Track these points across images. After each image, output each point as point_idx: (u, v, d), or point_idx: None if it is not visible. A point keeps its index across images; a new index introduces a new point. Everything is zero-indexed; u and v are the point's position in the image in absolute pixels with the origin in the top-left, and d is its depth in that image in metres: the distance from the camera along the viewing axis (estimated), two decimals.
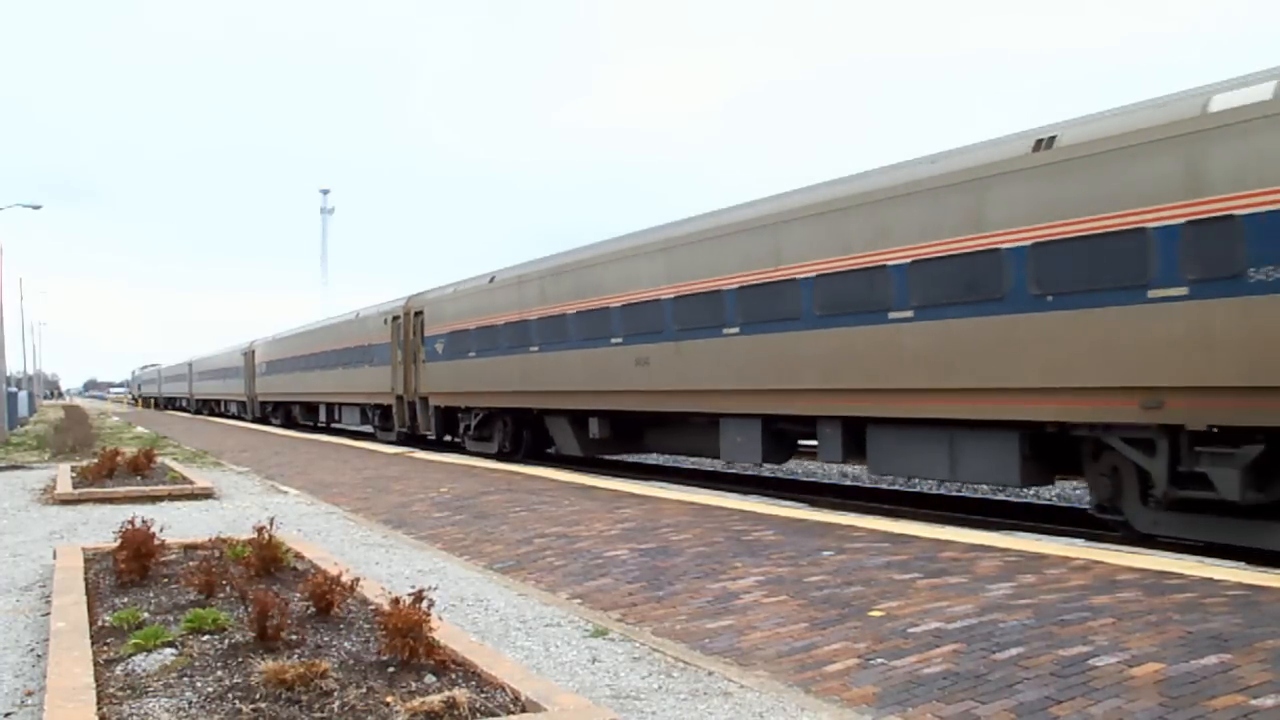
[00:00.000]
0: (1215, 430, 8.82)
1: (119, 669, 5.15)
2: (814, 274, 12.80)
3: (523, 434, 21.25)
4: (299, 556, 8.12)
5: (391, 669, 4.95)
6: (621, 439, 18.37)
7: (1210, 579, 6.38)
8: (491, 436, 22.33)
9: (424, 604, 5.16)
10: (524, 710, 4.43)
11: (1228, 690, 4.53)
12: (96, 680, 4.87)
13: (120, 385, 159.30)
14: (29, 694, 5.22)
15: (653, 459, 21.62)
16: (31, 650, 6.09)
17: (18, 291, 79.20)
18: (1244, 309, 8.45)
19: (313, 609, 6.10)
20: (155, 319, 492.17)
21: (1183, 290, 8.90)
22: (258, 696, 4.57)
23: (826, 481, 17.52)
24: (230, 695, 4.64)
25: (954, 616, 6.05)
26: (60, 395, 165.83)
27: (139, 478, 15.68)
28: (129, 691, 4.80)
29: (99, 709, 4.47)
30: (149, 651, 5.36)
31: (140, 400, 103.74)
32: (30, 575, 8.49)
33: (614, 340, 17.10)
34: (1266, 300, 8.28)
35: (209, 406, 63.12)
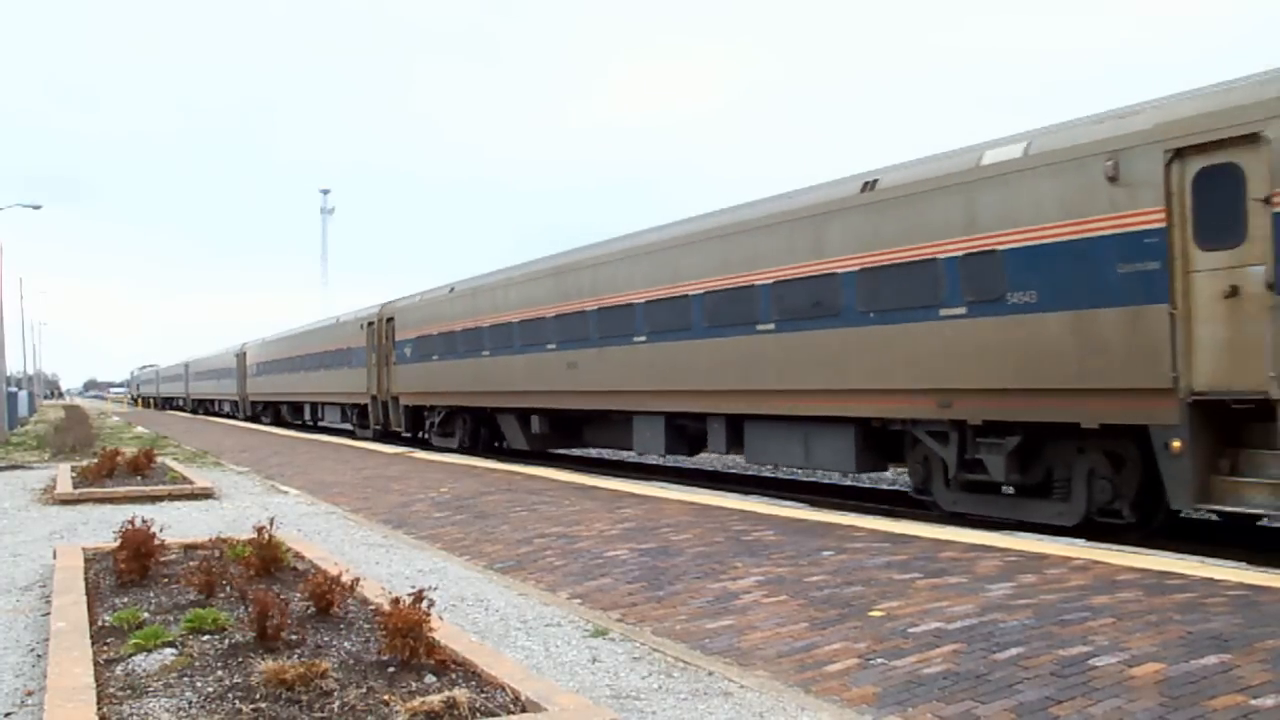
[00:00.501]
0: (987, 424, 10.86)
1: (119, 669, 5.15)
2: (702, 291, 14.91)
3: (480, 430, 23.62)
4: (299, 556, 8.12)
5: (391, 669, 4.95)
6: (561, 434, 20.56)
7: (1210, 579, 6.38)
8: (453, 433, 24.60)
9: (424, 604, 5.16)
10: (524, 710, 4.43)
11: (1228, 690, 4.53)
12: (96, 680, 4.87)
13: (120, 385, 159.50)
14: (29, 694, 5.22)
15: (652, 459, 21.75)
16: (31, 650, 6.09)
17: (18, 291, 79.33)
18: (1004, 326, 10.45)
19: (313, 609, 6.10)
20: (155, 319, 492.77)
21: (963, 310, 10.92)
22: (258, 696, 4.57)
23: (826, 482, 17.53)
24: (230, 695, 4.64)
25: (954, 616, 6.05)
26: (60, 395, 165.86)
27: (139, 478, 15.69)
28: (129, 691, 4.80)
29: (99, 709, 4.47)
30: (149, 651, 5.36)
31: (140, 400, 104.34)
32: (30, 575, 8.49)
33: (549, 346, 19.36)
34: (1020, 319, 10.29)
35: (204, 406, 65.00)
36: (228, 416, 53.64)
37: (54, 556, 8.68)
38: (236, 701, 4.55)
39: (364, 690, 4.64)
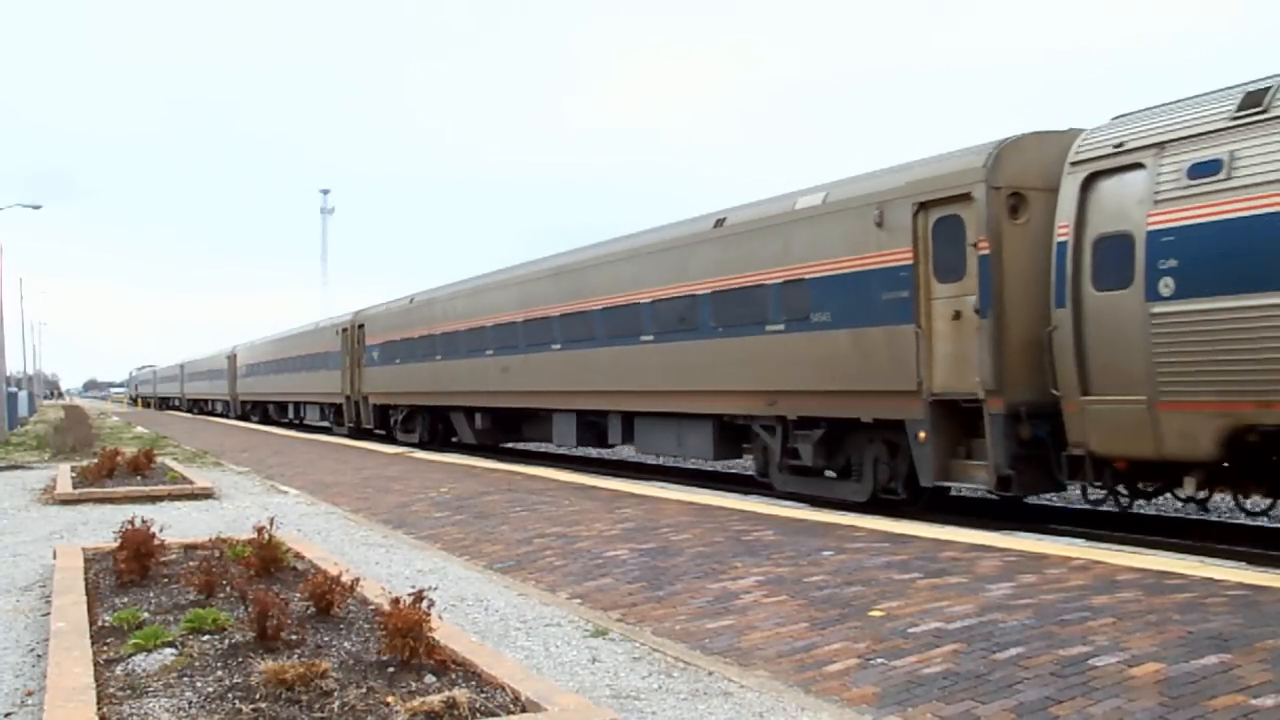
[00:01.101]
0: (801, 419, 13.29)
1: (119, 669, 5.15)
2: (602, 306, 17.64)
3: (437, 426, 26.20)
4: (299, 556, 8.12)
5: (391, 669, 4.95)
6: (501, 430, 23.28)
7: (1210, 579, 6.38)
8: (415, 429, 27.17)
9: (424, 604, 5.16)
10: (524, 710, 4.43)
11: (1228, 690, 4.53)
12: (96, 680, 4.87)
13: (120, 385, 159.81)
14: (29, 694, 5.22)
15: (651, 459, 21.92)
16: (31, 650, 6.09)
17: (18, 291, 79.23)
18: (809, 340, 12.93)
19: (313, 609, 6.10)
20: (155, 319, 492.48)
21: (782, 326, 13.38)
22: (258, 696, 4.57)
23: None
24: (230, 695, 4.64)
25: (954, 616, 6.05)
26: (60, 395, 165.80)
27: (139, 478, 15.68)
28: (129, 691, 4.80)
29: (99, 709, 4.47)
30: (149, 651, 5.36)
31: (140, 400, 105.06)
32: (30, 575, 8.49)
33: (488, 352, 22.15)
34: (819, 334, 12.77)
35: (199, 405, 67.57)
36: (221, 415, 55.76)
37: (54, 556, 8.68)
38: (236, 701, 4.55)
39: (364, 690, 4.64)
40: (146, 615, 6.21)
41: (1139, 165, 9.47)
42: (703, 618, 6.64)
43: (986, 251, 10.59)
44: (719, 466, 20.62)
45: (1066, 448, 10.05)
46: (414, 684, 4.75)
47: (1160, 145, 9.37)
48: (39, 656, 5.86)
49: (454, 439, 25.32)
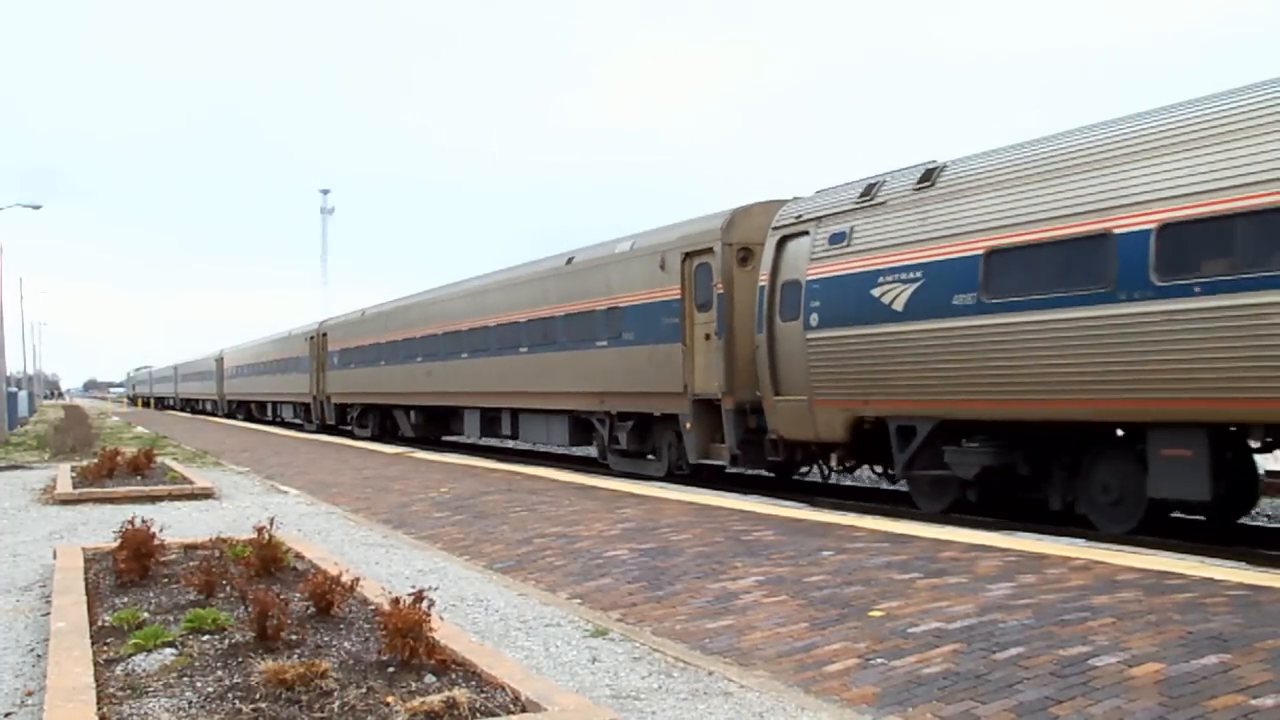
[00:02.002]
0: (620, 414, 17.39)
1: (119, 669, 5.15)
2: (495, 323, 22.04)
3: (385, 422, 30.83)
4: (299, 556, 8.12)
5: (391, 669, 4.95)
6: (433, 425, 27.35)
7: (1210, 579, 6.38)
8: (368, 425, 31.93)
9: (424, 604, 5.16)
10: (524, 710, 4.43)
11: (1228, 690, 4.53)
12: (96, 680, 4.87)
13: (120, 385, 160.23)
14: (29, 694, 5.21)
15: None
16: (31, 650, 6.09)
17: (18, 291, 79.22)
18: (621, 354, 16.95)
19: (313, 609, 6.10)
20: (155, 320, 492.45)
21: (606, 342, 17.48)
22: (258, 696, 4.57)
23: (826, 483, 17.52)
24: (230, 695, 4.64)
25: (954, 616, 6.04)
26: (60, 395, 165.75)
27: (139, 478, 15.68)
28: (129, 691, 4.80)
29: (99, 709, 4.47)
30: (149, 651, 5.36)
31: (140, 401, 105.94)
32: (30, 575, 8.49)
33: (417, 359, 26.79)
34: (629, 349, 16.74)
35: (191, 405, 71.30)
36: (209, 414, 59.65)
37: (54, 556, 8.68)
38: (236, 701, 4.55)
39: (364, 690, 4.64)
40: (146, 615, 6.21)
41: (806, 233, 13.18)
42: (703, 618, 6.64)
43: (722, 291, 14.73)
44: (730, 471, 20.81)
45: (768, 433, 13.89)
46: (414, 684, 4.75)
47: (819, 219, 13.05)
48: (39, 656, 5.86)
49: (399, 433, 29.75)
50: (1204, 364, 8.72)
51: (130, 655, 5.33)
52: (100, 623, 6.09)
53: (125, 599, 6.78)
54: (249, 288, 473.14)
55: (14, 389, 40.91)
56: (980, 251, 10.69)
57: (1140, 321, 9.17)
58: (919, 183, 11.74)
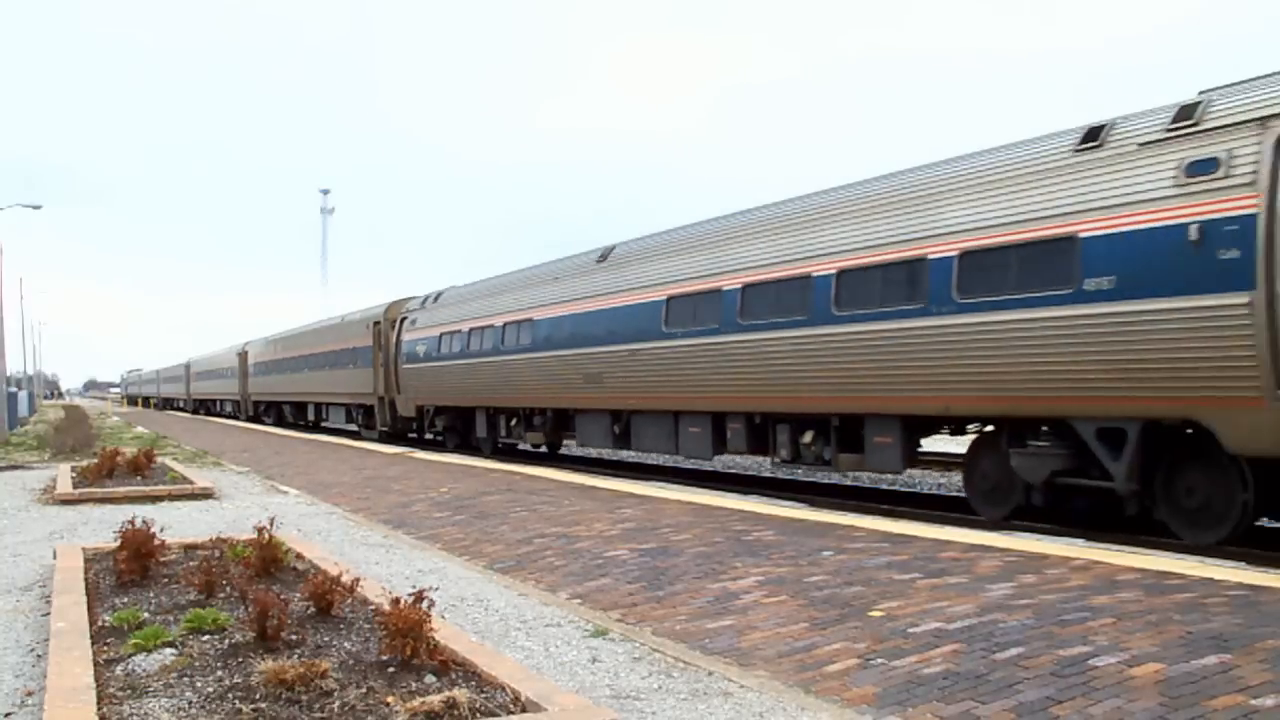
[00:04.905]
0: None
1: (119, 669, 5.15)
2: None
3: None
4: (299, 556, 8.11)
5: (392, 669, 4.95)
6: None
7: (1210, 579, 6.38)
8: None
9: (424, 604, 5.16)
10: (524, 710, 4.43)
11: (1228, 690, 4.53)
12: (96, 680, 4.87)
13: (118, 386, 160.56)
14: (29, 694, 5.21)
15: (652, 459, 21.91)
16: (31, 650, 6.08)
17: (18, 291, 79.25)
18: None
19: (313, 609, 6.10)
20: (155, 320, 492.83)
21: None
22: (258, 696, 4.57)
23: (826, 482, 17.54)
24: (230, 695, 4.64)
25: (954, 616, 6.04)
26: (60, 395, 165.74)
27: (139, 478, 15.67)
28: (129, 691, 4.79)
29: (99, 709, 4.47)
30: (149, 651, 5.36)
31: (138, 401, 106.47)
32: (30, 575, 8.49)
33: (298, 371, 39.05)
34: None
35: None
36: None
37: (54, 556, 8.68)
38: (236, 701, 4.55)
39: (364, 690, 4.64)
40: (146, 615, 6.21)
41: (406, 318, 26.49)
42: (703, 618, 6.64)
43: (381, 345, 27.67)
44: (718, 466, 20.69)
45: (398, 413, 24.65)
46: (414, 684, 4.75)
47: (408, 311, 26.62)
48: (39, 656, 5.86)
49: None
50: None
51: (130, 655, 5.33)
52: (100, 623, 6.09)
53: (125, 599, 6.78)
54: (249, 289, 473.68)
55: (14, 389, 40.89)
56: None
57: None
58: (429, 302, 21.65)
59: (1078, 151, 10.35)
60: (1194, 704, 4.44)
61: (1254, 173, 8.77)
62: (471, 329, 23.19)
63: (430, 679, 4.83)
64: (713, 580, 7.52)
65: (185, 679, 4.95)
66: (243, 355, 50.31)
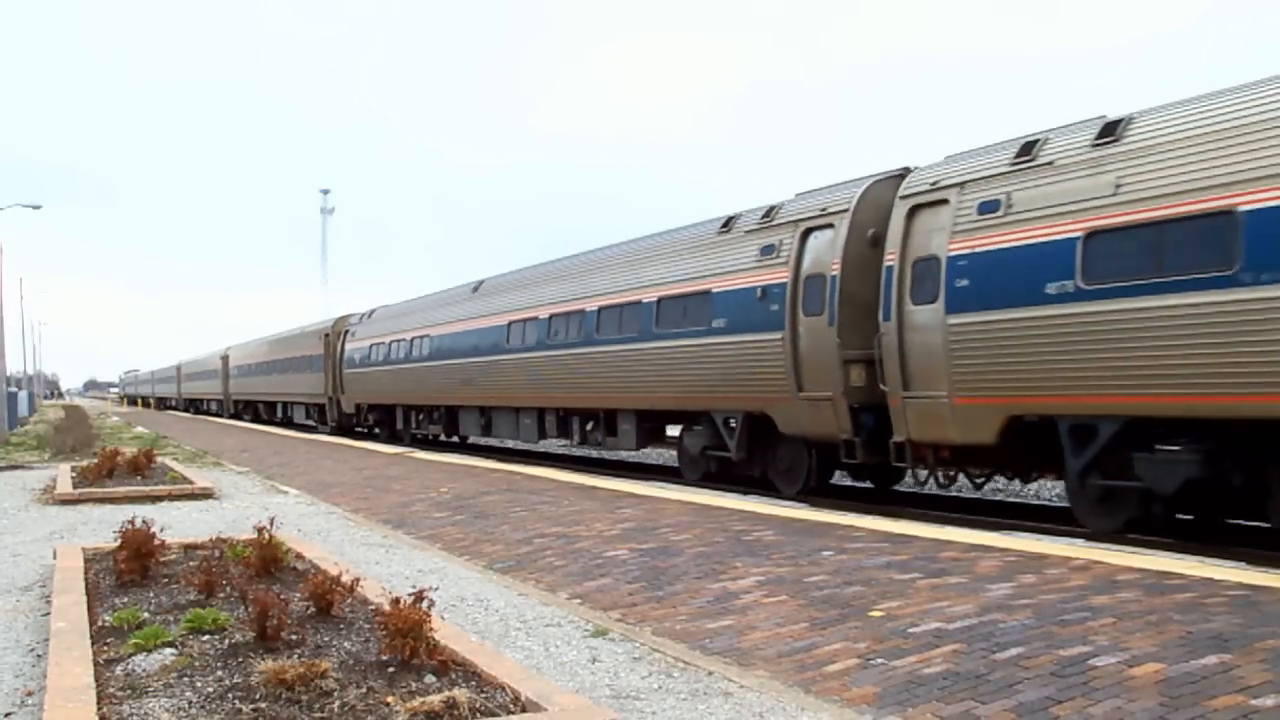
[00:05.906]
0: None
1: (119, 669, 5.15)
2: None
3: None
4: (299, 556, 8.11)
5: (392, 669, 4.95)
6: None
7: (1210, 579, 6.38)
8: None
9: (424, 604, 5.16)
10: (524, 710, 4.43)
11: (1228, 690, 4.53)
12: (96, 680, 4.87)
13: (117, 386, 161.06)
14: (29, 694, 5.21)
15: (653, 459, 22.06)
16: (31, 650, 6.08)
17: (18, 291, 79.23)
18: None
19: (313, 609, 6.10)
20: (156, 320, 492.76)
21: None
22: (258, 696, 4.57)
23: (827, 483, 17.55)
24: (230, 695, 4.64)
25: (954, 616, 6.04)
26: (60, 395, 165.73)
27: (139, 478, 15.66)
28: (129, 691, 4.79)
29: (99, 709, 4.47)
30: (149, 651, 5.36)
31: (136, 401, 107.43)
32: (30, 575, 8.49)
33: (269, 374, 43.23)
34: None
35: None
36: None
37: (54, 556, 8.67)
38: (236, 701, 4.55)
39: (364, 690, 4.64)
40: (146, 615, 6.21)
41: (348, 330, 32.48)
42: (703, 618, 6.64)
43: (329, 353, 32.80)
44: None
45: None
46: (414, 684, 4.75)
47: (347, 330, 32.82)
48: (39, 656, 5.86)
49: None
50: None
51: (130, 655, 5.33)
52: (100, 623, 6.08)
53: (125, 599, 6.78)
54: (250, 289, 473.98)
55: (14, 389, 40.90)
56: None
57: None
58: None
59: (719, 233, 15.53)
60: (1194, 704, 4.44)
61: (789, 255, 13.72)
62: (392, 341, 29.14)
63: (430, 679, 4.83)
64: (713, 580, 7.52)
65: (185, 679, 4.94)
66: (225, 359, 56.22)
